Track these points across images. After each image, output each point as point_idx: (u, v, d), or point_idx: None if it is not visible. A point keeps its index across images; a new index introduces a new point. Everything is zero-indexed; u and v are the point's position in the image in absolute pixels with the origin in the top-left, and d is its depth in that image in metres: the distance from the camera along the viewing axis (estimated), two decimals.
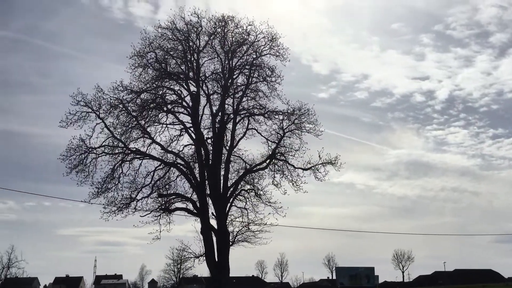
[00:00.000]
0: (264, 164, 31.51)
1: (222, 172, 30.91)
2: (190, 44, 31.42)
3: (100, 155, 29.33)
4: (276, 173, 31.46)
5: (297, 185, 31.05)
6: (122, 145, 29.78)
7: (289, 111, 31.41)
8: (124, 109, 29.85)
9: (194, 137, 30.97)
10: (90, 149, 29.00)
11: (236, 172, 31.59)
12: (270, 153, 31.57)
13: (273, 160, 31.55)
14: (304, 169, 31.16)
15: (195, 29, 31.34)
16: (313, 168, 31.07)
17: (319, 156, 30.84)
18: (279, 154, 31.64)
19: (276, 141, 31.68)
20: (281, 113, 31.54)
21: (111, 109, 29.57)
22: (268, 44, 31.94)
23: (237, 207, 31.39)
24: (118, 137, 29.62)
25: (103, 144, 29.36)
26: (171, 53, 31.17)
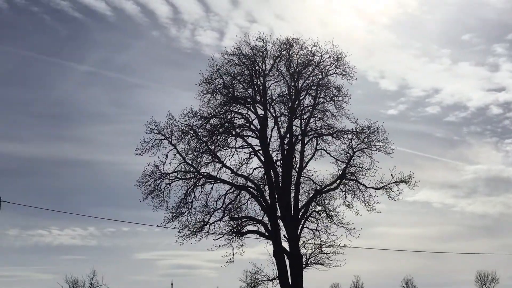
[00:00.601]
0: (335, 185, 31.12)
1: (292, 194, 30.80)
2: (256, 68, 31.91)
3: (173, 180, 30.21)
4: (347, 193, 31.00)
5: (369, 205, 30.39)
6: (194, 170, 30.49)
7: (358, 130, 31.02)
8: (194, 135, 30.65)
9: (263, 160, 31.14)
10: (164, 175, 29.94)
11: (306, 194, 31.43)
12: (340, 173, 31.17)
13: (344, 180, 31.10)
14: (376, 189, 30.51)
15: (261, 53, 31.85)
16: (385, 187, 30.35)
17: (392, 174, 30.15)
18: (349, 174, 31.16)
19: (346, 161, 31.27)
20: (349, 132, 31.19)
21: (182, 135, 30.49)
22: (334, 64, 31.91)
23: (309, 229, 31.12)
24: (190, 163, 30.40)
25: (176, 169, 30.25)
26: (238, 78, 31.77)
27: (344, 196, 31.00)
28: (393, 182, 30.21)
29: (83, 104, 64.97)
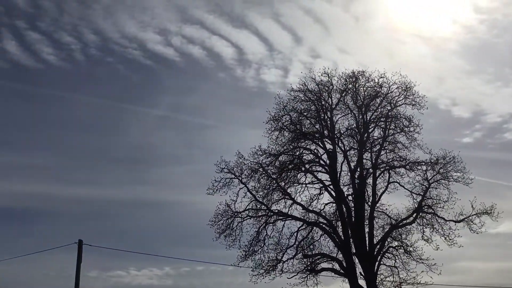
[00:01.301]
0: (411, 219, 29.89)
1: (367, 229, 29.85)
2: (323, 103, 31.87)
3: (245, 218, 30.32)
4: (425, 227, 29.64)
5: (450, 239, 28.86)
6: (265, 208, 30.47)
7: (432, 161, 29.92)
8: (264, 172, 30.78)
9: (334, 195, 30.60)
10: (235, 214, 30.15)
11: (381, 229, 30.34)
12: (416, 206, 29.95)
13: (420, 214, 29.82)
14: (456, 221, 29.01)
15: (326, 88, 31.84)
16: (466, 219, 28.81)
17: (472, 206, 28.63)
18: (426, 206, 29.88)
19: (422, 193, 30.09)
20: (423, 163, 30.13)
21: (252, 173, 30.72)
22: (403, 94, 31.29)
23: (386, 265, 29.82)
24: (261, 200, 30.44)
25: (247, 207, 30.37)
26: (305, 113, 31.83)
27: (422, 230, 29.66)
28: (474, 214, 28.68)
29: (156, 147, 67.31)
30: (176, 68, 69.73)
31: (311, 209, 30.81)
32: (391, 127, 31.36)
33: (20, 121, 62.28)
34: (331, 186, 30.78)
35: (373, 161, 30.91)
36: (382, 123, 31.51)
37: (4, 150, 57.33)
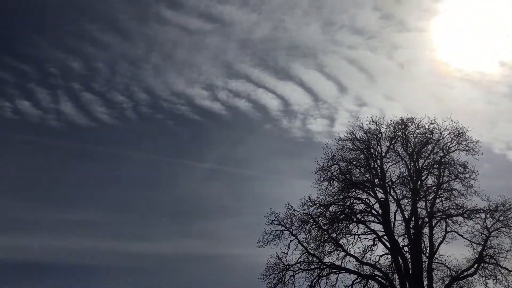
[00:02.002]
0: (472, 270, 28.40)
1: (425, 282, 28.47)
2: (372, 151, 31.45)
3: (297, 272, 29.61)
4: (488, 279, 28.06)
5: None
6: (317, 260, 29.73)
7: (491, 208, 28.66)
8: (315, 223, 30.27)
9: (389, 246, 29.55)
10: (287, 267, 29.53)
11: (441, 281, 28.90)
12: (477, 256, 28.50)
13: (482, 265, 28.31)
14: None
15: (375, 136, 31.50)
16: None
17: None
18: (487, 257, 28.37)
19: (482, 243, 28.69)
20: (482, 211, 28.85)
21: (302, 225, 30.26)
22: (455, 140, 30.50)
23: None
24: (312, 252, 29.76)
25: (299, 260, 29.72)
26: (354, 163, 31.44)
27: (484, 282, 28.08)
28: None
29: (205, 199, 67.89)
30: (223, 121, 71.27)
31: (365, 261, 29.80)
32: (445, 174, 30.45)
33: (74, 179, 64.58)
34: (385, 237, 29.79)
35: (428, 210, 29.86)
36: (436, 170, 30.64)
37: (59, 207, 59.28)
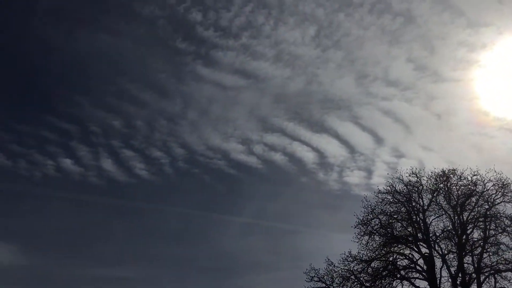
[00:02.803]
0: None
1: None
2: (413, 204, 30.69)
3: None
4: None
5: None
6: None
7: None
8: (356, 280, 29.37)
9: None
10: None
11: None
12: None
13: None
14: None
15: (416, 189, 30.83)
16: None
17: None
18: None
19: None
20: None
21: (343, 281, 29.41)
22: (500, 192, 29.55)
23: None
24: None
25: None
26: (395, 216, 30.70)
27: None
28: None
29: (242, 254, 67.17)
30: (259, 175, 71.34)
31: None
32: (491, 227, 29.31)
33: (114, 235, 65.21)
34: None
35: (476, 265, 28.59)
36: (481, 223, 29.54)
37: (99, 264, 59.62)
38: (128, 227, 66.72)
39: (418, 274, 29.29)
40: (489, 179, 29.95)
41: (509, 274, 28.19)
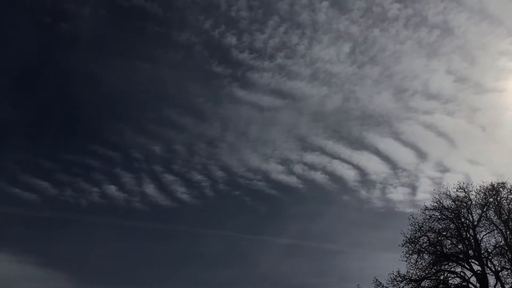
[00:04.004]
0: None
1: None
2: (462, 220, 29.78)
3: None
4: None
5: None
6: None
7: None
8: None
9: None
10: None
11: None
12: None
13: None
14: None
15: (465, 204, 29.93)
16: None
17: None
18: None
19: None
20: None
21: None
22: None
23: None
24: None
25: None
26: (444, 233, 29.83)
27: None
28: None
29: (287, 276, 66.46)
30: (300, 195, 70.81)
31: None
32: None
33: (158, 259, 65.83)
34: None
35: None
36: None
37: None
38: (171, 251, 67.27)
39: None
40: None
41: None
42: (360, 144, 70.56)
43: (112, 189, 64.27)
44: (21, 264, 56.13)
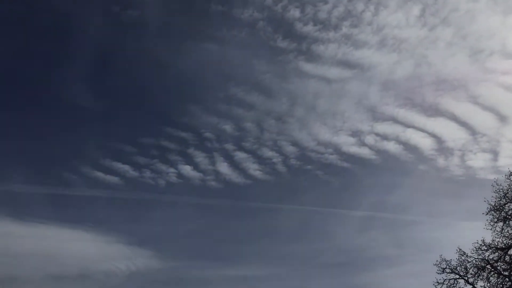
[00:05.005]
0: None
1: None
2: None
3: None
4: None
5: None
6: None
7: None
8: (493, 269, 27.44)
9: None
10: None
11: None
12: None
13: None
14: None
15: None
16: None
17: None
18: None
19: None
20: None
21: (478, 271, 27.69)
22: None
23: None
24: None
25: None
26: None
27: None
28: None
29: (364, 249, 66.04)
30: (373, 166, 69.58)
31: None
32: None
33: (234, 236, 67.51)
34: None
35: None
36: None
37: (223, 264, 62.08)
38: (247, 228, 68.75)
39: None
40: None
41: None
42: (435, 111, 67.91)
43: (187, 169, 66.43)
44: (110, 243, 59.70)
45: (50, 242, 56.18)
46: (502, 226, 28.35)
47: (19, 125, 63.40)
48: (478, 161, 63.92)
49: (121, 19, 67.78)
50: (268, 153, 69.52)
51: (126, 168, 64.91)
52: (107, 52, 68.52)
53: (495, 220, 28.52)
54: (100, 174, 63.76)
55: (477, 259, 27.85)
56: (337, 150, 68.76)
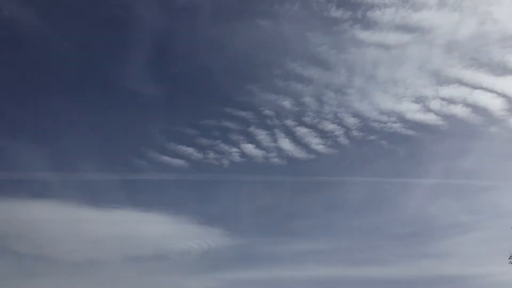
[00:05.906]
0: None
1: None
2: None
3: None
4: None
5: None
6: None
7: None
8: None
9: None
10: None
11: None
12: None
13: None
14: None
15: None
16: None
17: None
18: None
19: None
20: None
21: None
22: None
23: None
24: None
25: None
26: None
27: None
28: None
29: (435, 217, 64.22)
30: (440, 132, 66.91)
31: None
32: None
33: (301, 212, 67.67)
34: None
35: None
36: None
37: (292, 239, 62.77)
38: (313, 203, 68.44)
39: None
40: None
41: None
42: (503, 69, 64.03)
43: (249, 147, 66.81)
44: (181, 224, 61.73)
45: (125, 225, 58.83)
46: None
47: (87, 118, 66.09)
48: None
49: (175, 4, 68.49)
50: (329, 126, 68.48)
51: (190, 150, 66.19)
52: (164, 39, 69.50)
53: None
54: (166, 158, 65.48)
55: None
56: (401, 118, 66.60)
